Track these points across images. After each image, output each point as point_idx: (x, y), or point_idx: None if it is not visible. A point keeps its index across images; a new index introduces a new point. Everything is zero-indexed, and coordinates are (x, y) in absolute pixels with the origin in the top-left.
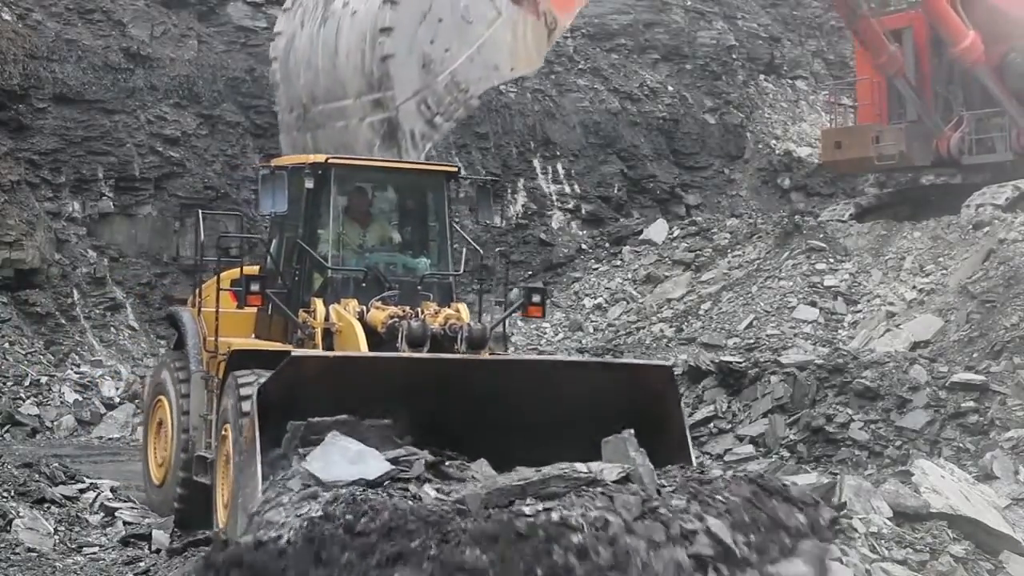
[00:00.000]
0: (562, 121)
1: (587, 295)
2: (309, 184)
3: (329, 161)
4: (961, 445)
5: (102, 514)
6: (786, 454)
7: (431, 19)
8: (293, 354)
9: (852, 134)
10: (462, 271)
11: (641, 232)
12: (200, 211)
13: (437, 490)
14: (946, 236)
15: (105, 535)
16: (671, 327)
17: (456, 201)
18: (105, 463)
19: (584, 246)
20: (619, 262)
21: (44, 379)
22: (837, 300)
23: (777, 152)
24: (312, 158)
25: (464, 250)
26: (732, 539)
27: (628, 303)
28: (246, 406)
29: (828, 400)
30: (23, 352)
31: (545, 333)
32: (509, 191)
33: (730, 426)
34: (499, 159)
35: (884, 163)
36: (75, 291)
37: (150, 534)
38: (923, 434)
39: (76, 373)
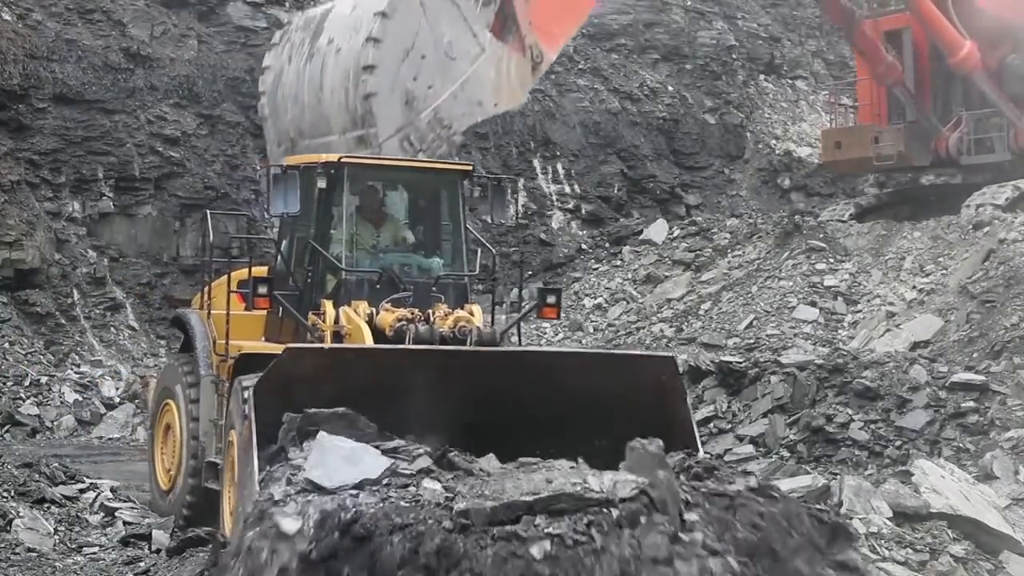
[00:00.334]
0: (562, 121)
1: (587, 295)
2: (321, 183)
3: (342, 160)
4: (961, 445)
5: (102, 514)
6: (786, 454)
7: (414, 56)
8: (288, 347)
9: (852, 134)
10: (477, 271)
11: (641, 232)
12: (208, 212)
13: (445, 488)
14: (946, 236)
15: (105, 535)
16: (671, 327)
17: (470, 200)
18: (105, 463)
19: (584, 246)
20: (619, 262)
21: (44, 379)
22: (837, 300)
23: (777, 152)
24: (324, 157)
25: (479, 250)
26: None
27: (628, 303)
28: (248, 409)
29: (828, 400)
30: (23, 352)
31: (545, 333)
32: (509, 191)
33: (730, 426)
34: (499, 159)
35: (883, 163)
36: (75, 291)
37: (150, 534)
38: (923, 434)
39: (76, 373)
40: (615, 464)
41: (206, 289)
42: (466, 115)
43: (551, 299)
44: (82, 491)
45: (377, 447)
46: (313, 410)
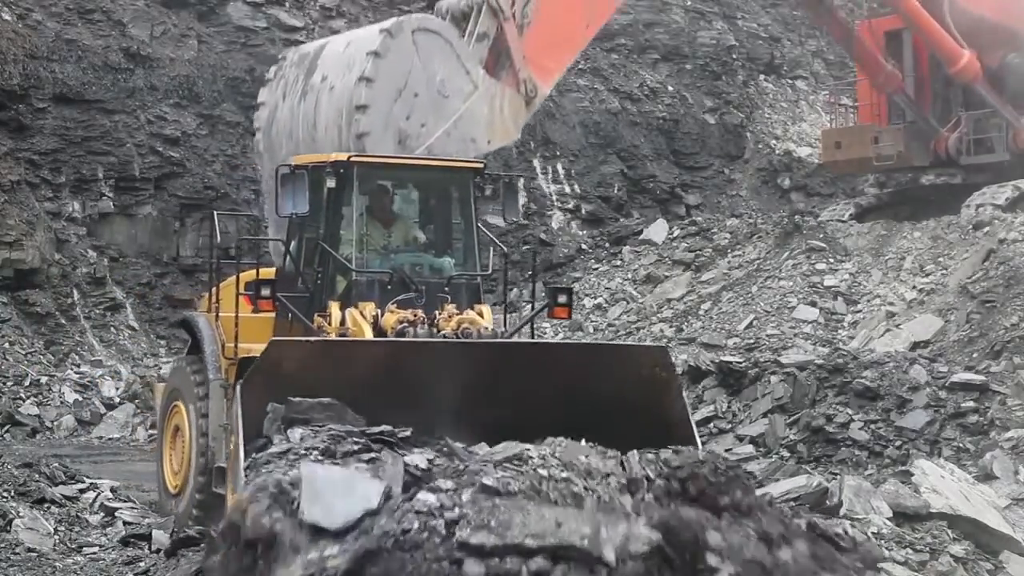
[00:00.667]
0: (562, 121)
1: (587, 295)
2: (331, 183)
3: (351, 159)
4: (961, 445)
5: (102, 514)
6: (786, 454)
7: (407, 95)
8: (273, 340)
9: (852, 134)
10: (490, 271)
11: (641, 232)
12: (215, 212)
13: (442, 504)
14: (946, 236)
15: (105, 535)
16: (671, 327)
17: (481, 199)
18: (105, 463)
19: (584, 246)
20: (619, 262)
21: (44, 379)
22: (837, 300)
23: (777, 152)
24: (334, 156)
25: (491, 250)
26: None
27: (628, 303)
28: (236, 403)
29: (828, 400)
30: (23, 352)
31: (545, 333)
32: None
33: (730, 426)
34: (500, 159)
35: (883, 163)
36: (75, 291)
37: (150, 534)
38: (923, 434)
39: (76, 373)
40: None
41: (213, 291)
42: (459, 153)
43: (562, 298)
44: (82, 491)
45: (363, 432)
46: (297, 399)
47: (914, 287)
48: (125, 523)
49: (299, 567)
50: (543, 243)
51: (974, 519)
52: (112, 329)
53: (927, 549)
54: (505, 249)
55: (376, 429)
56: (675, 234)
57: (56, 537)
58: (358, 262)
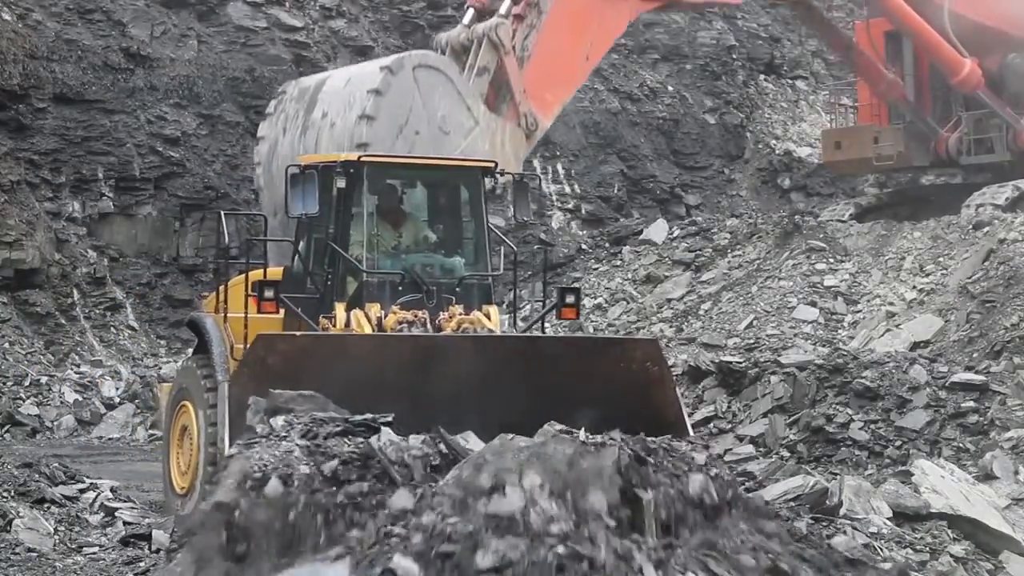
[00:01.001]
0: (562, 121)
1: (587, 295)
2: (341, 183)
3: (362, 159)
4: (961, 445)
5: (102, 514)
6: (786, 454)
7: (408, 132)
8: (261, 334)
9: (852, 134)
10: (501, 271)
11: (641, 232)
12: (222, 212)
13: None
14: (946, 236)
15: (105, 535)
16: (671, 327)
17: (492, 198)
18: (105, 463)
19: (584, 246)
20: (619, 262)
21: (44, 379)
22: (837, 300)
23: (777, 152)
24: (343, 156)
25: (502, 249)
26: None
27: (628, 303)
28: (221, 396)
29: (828, 400)
30: (23, 352)
31: (545, 332)
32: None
33: (730, 426)
34: None
35: (883, 163)
36: (75, 291)
37: (150, 534)
38: (923, 434)
39: (76, 373)
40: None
41: (221, 292)
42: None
43: (570, 299)
44: (82, 491)
45: (346, 419)
46: (278, 391)
47: (914, 287)
48: (125, 523)
49: None
50: (543, 243)
51: (974, 519)
52: (112, 329)
53: (927, 549)
54: (515, 248)
55: (359, 417)
56: (675, 234)
57: (56, 537)
58: (369, 263)
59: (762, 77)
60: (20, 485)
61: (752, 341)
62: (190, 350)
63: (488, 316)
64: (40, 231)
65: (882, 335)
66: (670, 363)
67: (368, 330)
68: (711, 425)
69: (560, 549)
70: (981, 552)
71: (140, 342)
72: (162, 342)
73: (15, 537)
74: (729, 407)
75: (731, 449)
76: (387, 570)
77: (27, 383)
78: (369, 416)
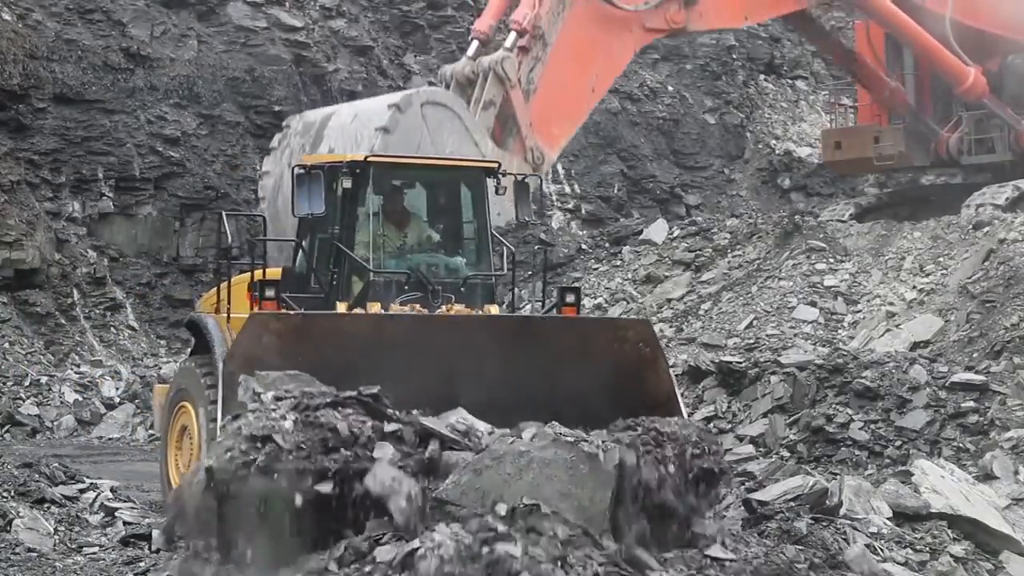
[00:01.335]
0: None
1: (587, 295)
2: (347, 183)
3: (368, 159)
4: (961, 445)
5: (102, 514)
6: (786, 454)
7: None
8: (254, 313)
9: (852, 134)
10: (504, 271)
11: (641, 232)
12: (224, 213)
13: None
14: (946, 236)
15: (105, 535)
16: (671, 327)
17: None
18: (105, 463)
19: (584, 246)
20: (619, 262)
21: (44, 379)
22: (837, 300)
23: (777, 152)
24: (350, 156)
25: (503, 249)
26: None
27: (628, 303)
28: (217, 376)
29: (828, 400)
30: (23, 352)
31: None
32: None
33: (730, 426)
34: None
35: (884, 163)
36: (75, 291)
37: (150, 534)
38: (923, 434)
39: (76, 373)
40: (591, 427)
41: (222, 291)
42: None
43: (570, 298)
44: (82, 491)
45: (335, 394)
46: (265, 372)
47: (914, 287)
48: (125, 523)
49: None
50: (542, 243)
51: (974, 519)
52: (112, 329)
53: (927, 549)
54: (513, 249)
55: (347, 393)
56: (675, 234)
57: (56, 537)
58: (375, 262)
59: (762, 77)
60: (20, 485)
61: (752, 341)
62: (189, 350)
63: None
64: (40, 231)
65: (882, 335)
66: (670, 363)
67: None
68: (711, 425)
69: None
70: (981, 552)
71: (140, 342)
72: (162, 342)
73: (15, 537)
74: (729, 407)
75: (731, 449)
76: None
77: (27, 383)
78: (350, 394)
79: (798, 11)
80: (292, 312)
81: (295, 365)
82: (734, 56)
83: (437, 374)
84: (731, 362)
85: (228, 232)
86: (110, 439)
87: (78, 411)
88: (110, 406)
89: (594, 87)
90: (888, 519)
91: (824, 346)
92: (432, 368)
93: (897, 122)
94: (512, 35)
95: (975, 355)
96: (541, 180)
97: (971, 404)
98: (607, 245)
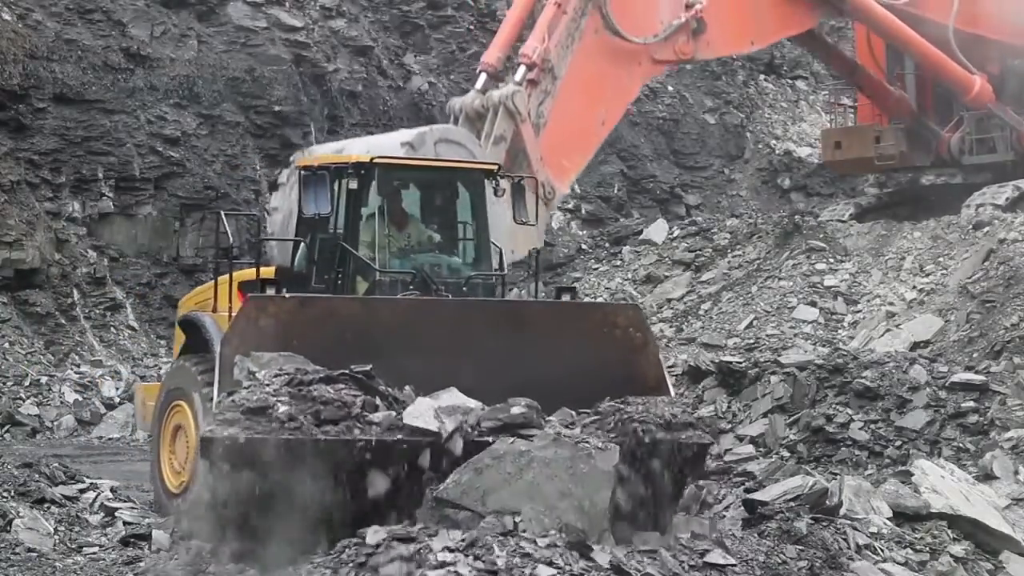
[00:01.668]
0: None
1: (587, 295)
2: (352, 184)
3: (374, 160)
4: (961, 445)
5: (102, 514)
6: (786, 454)
7: None
8: (251, 296)
9: (852, 134)
10: (505, 271)
11: (641, 232)
12: (222, 212)
13: None
14: (946, 236)
15: (105, 535)
16: (671, 327)
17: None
18: (105, 463)
19: (584, 246)
20: (619, 262)
21: (44, 379)
22: (837, 300)
23: (777, 152)
24: (355, 157)
25: (501, 250)
26: None
27: (628, 303)
28: (215, 357)
29: (828, 400)
30: (23, 352)
31: None
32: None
33: (730, 426)
34: None
35: (884, 163)
36: (75, 291)
37: (150, 534)
38: (923, 434)
39: (76, 373)
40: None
41: (211, 290)
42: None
43: (566, 297)
44: (82, 491)
45: (328, 372)
46: (259, 353)
47: (914, 287)
48: (125, 523)
49: None
50: (543, 243)
51: (974, 519)
52: (112, 329)
53: (927, 549)
54: (502, 248)
55: (339, 372)
56: (675, 234)
57: (56, 537)
58: (380, 262)
59: (762, 77)
60: (20, 485)
61: (752, 341)
62: (177, 350)
63: None
64: (40, 231)
65: (882, 335)
66: (670, 363)
67: None
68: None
69: None
70: (981, 552)
71: (140, 342)
72: (162, 342)
73: (15, 537)
74: (729, 407)
75: (731, 449)
76: None
77: (27, 383)
78: (342, 372)
79: (804, 32)
80: (288, 296)
81: (291, 348)
82: (734, 56)
83: (430, 357)
84: (731, 362)
85: (228, 231)
86: (110, 439)
87: (78, 411)
88: (110, 406)
89: (604, 120)
90: (888, 519)
91: (824, 346)
92: (425, 351)
93: (898, 122)
94: (521, 68)
95: (975, 355)
96: (551, 216)
97: (971, 404)
98: (607, 245)
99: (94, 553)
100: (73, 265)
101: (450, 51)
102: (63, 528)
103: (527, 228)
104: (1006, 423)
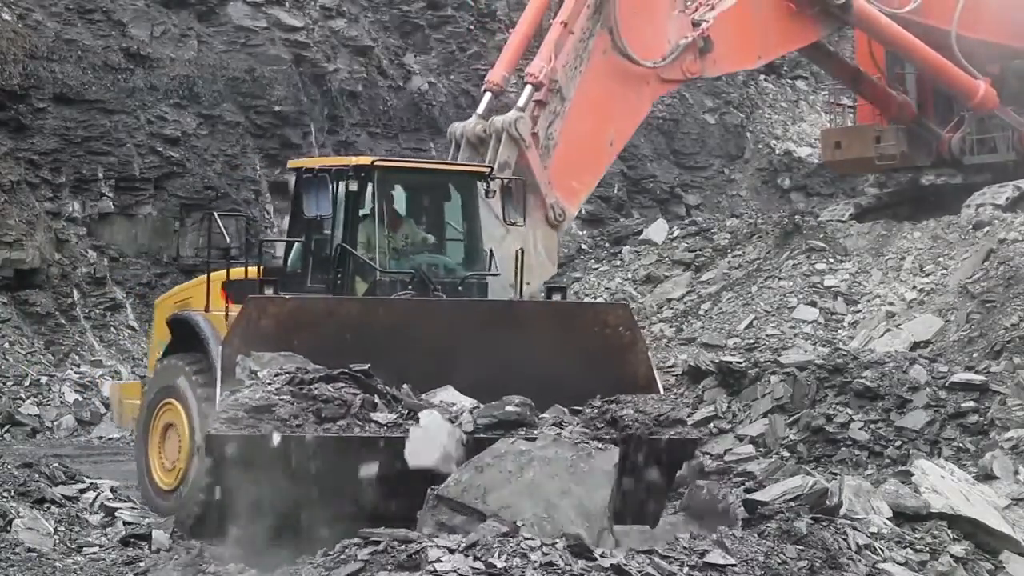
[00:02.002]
0: None
1: (587, 295)
2: (352, 186)
3: (375, 163)
4: (961, 445)
5: (102, 514)
6: (786, 454)
7: None
8: (251, 296)
9: (852, 134)
10: (499, 272)
11: (641, 232)
12: (216, 213)
13: None
14: (946, 236)
15: (105, 535)
16: (671, 327)
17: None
18: (105, 463)
19: (584, 246)
20: (619, 262)
21: (44, 379)
22: (837, 300)
23: (777, 152)
24: (355, 160)
25: (492, 250)
26: None
27: (628, 303)
28: (216, 356)
29: (828, 400)
30: (23, 352)
31: None
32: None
33: (730, 426)
34: None
35: (884, 163)
36: (75, 291)
37: (150, 534)
38: (923, 434)
39: (76, 373)
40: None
41: (199, 290)
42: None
43: (556, 297)
44: (82, 491)
45: (327, 371)
46: (259, 353)
47: (914, 287)
48: (125, 523)
49: None
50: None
51: (974, 519)
52: (112, 329)
53: (927, 549)
54: (489, 249)
55: (338, 370)
56: (675, 234)
57: (56, 537)
58: (380, 263)
59: (762, 77)
60: (20, 485)
61: (752, 341)
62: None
63: None
64: (40, 231)
65: (882, 335)
66: (670, 363)
67: None
68: (711, 425)
69: None
70: (981, 552)
71: (140, 342)
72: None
73: (15, 537)
74: (729, 407)
75: (731, 449)
76: None
77: (27, 383)
78: (342, 371)
79: (809, 44)
80: (289, 296)
81: (290, 348)
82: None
83: (426, 356)
84: (731, 362)
85: (224, 232)
86: (110, 439)
87: (78, 411)
88: (110, 406)
89: (613, 141)
90: (888, 519)
91: (824, 346)
92: (422, 350)
93: (898, 122)
94: (527, 90)
95: (975, 355)
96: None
97: (971, 404)
98: (607, 245)
99: (94, 553)
100: (73, 265)
101: (450, 51)
102: (63, 528)
103: (539, 255)
104: (1006, 423)
